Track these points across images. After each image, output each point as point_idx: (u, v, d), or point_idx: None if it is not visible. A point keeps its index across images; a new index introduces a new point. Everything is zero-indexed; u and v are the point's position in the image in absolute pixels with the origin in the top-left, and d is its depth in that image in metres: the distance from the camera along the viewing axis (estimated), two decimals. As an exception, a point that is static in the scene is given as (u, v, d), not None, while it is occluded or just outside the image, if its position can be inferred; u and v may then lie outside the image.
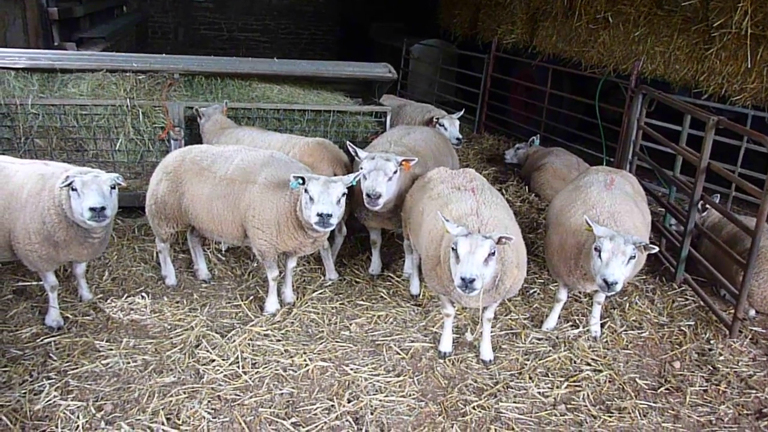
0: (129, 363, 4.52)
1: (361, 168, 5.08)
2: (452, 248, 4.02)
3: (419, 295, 5.66)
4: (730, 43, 7.60)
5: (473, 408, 4.25)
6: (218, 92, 7.01)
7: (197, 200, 5.11)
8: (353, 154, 5.29)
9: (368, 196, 4.97)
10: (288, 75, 7.28)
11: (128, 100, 6.48)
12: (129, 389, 4.26)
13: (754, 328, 5.46)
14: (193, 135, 6.63)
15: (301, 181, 4.58)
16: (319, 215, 4.48)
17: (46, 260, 4.69)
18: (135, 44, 14.93)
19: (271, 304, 5.27)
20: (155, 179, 5.30)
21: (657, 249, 4.41)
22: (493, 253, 4.00)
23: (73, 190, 4.36)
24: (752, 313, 5.64)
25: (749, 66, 7.41)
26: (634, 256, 4.27)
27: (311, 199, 4.53)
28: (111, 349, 4.66)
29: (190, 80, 6.99)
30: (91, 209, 4.31)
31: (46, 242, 4.57)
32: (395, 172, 5.07)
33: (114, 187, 4.50)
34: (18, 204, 4.55)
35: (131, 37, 14.93)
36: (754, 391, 4.61)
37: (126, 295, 5.42)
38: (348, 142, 5.44)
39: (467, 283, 3.89)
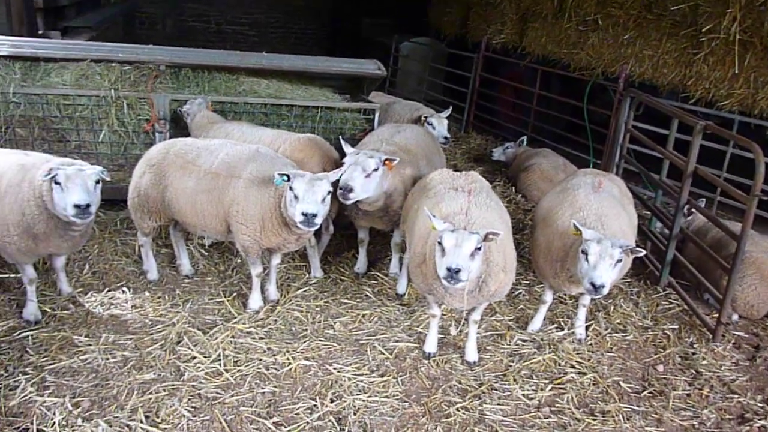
0: (108, 359, 4.44)
1: (343, 162, 5.04)
2: (438, 242, 3.98)
3: (404, 295, 5.62)
4: (718, 48, 7.62)
5: (457, 409, 4.22)
6: (205, 85, 6.91)
7: (181, 194, 5.03)
8: (345, 150, 5.22)
9: (340, 188, 4.91)
10: (276, 69, 7.19)
11: (113, 91, 6.37)
12: (107, 386, 4.18)
13: (737, 333, 5.49)
14: (179, 128, 6.53)
15: (285, 178, 4.52)
16: (304, 215, 4.42)
17: (24, 253, 4.59)
18: (122, 34, 14.72)
19: (255, 301, 5.21)
20: (138, 172, 5.21)
21: (644, 252, 4.40)
22: (479, 249, 3.97)
23: (56, 183, 4.26)
24: (735, 317, 5.67)
25: (736, 71, 7.43)
26: (621, 260, 4.26)
27: (296, 197, 4.47)
28: (90, 345, 4.57)
29: (177, 72, 6.88)
30: (76, 206, 4.21)
31: (25, 234, 4.47)
32: (375, 170, 5.01)
33: (98, 182, 4.41)
34: None
35: (118, 27, 14.73)
36: (736, 396, 4.63)
37: (106, 289, 5.33)
38: (341, 138, 5.38)
39: (452, 274, 3.85)
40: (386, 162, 5.07)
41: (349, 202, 5.03)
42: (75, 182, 4.25)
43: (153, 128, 6.52)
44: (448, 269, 3.86)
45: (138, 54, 6.69)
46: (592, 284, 4.16)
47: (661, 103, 6.86)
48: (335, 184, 4.80)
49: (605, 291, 4.18)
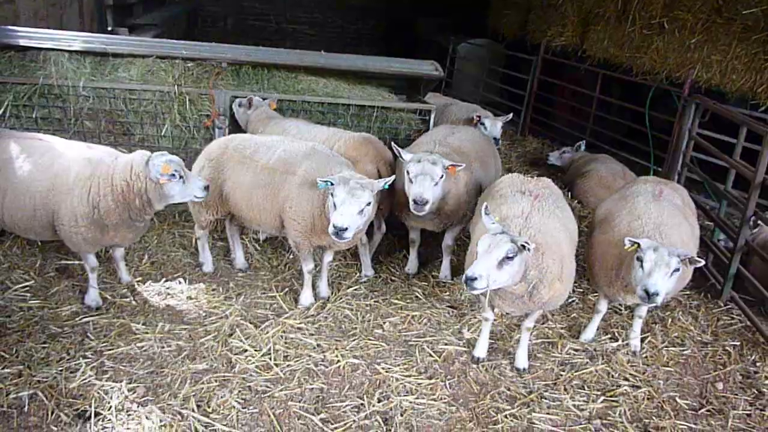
0: (163, 347, 4.57)
1: (407, 171, 5.02)
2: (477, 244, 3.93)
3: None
4: (792, 54, 7.29)
5: (505, 416, 4.17)
6: (264, 83, 7.03)
7: (238, 188, 5.12)
8: (397, 155, 5.21)
9: (415, 202, 4.89)
10: (334, 68, 7.25)
11: (176, 86, 6.54)
12: (162, 373, 4.30)
13: (804, 353, 5.23)
14: (238, 124, 6.66)
15: (328, 183, 4.51)
16: (335, 227, 4.41)
17: (90, 242, 4.76)
18: (185, 32, 15.16)
19: (306, 297, 5.26)
20: (197, 166, 5.33)
21: (703, 262, 4.24)
22: (511, 258, 3.84)
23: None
24: (802, 337, 5.40)
25: (811, 79, 7.10)
26: (678, 269, 4.12)
27: (334, 205, 4.47)
28: (146, 333, 4.71)
29: (237, 70, 7.01)
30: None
31: (93, 225, 4.64)
32: (441, 177, 4.98)
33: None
34: (65, 187, 4.62)
35: (181, 25, 15.18)
36: (801, 420, 4.42)
37: (163, 279, 5.48)
38: (393, 143, 5.35)
39: (468, 281, 3.77)
40: (450, 167, 5.04)
41: (423, 213, 4.97)
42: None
43: (213, 124, 6.67)
44: (466, 276, 3.80)
45: (201, 51, 6.86)
46: (646, 291, 4.04)
47: (729, 110, 6.59)
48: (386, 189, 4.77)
49: (659, 300, 4.05)
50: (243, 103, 6.52)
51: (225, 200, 5.25)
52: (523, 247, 3.85)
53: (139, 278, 5.46)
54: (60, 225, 4.68)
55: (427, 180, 4.91)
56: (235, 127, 6.67)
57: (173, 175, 4.52)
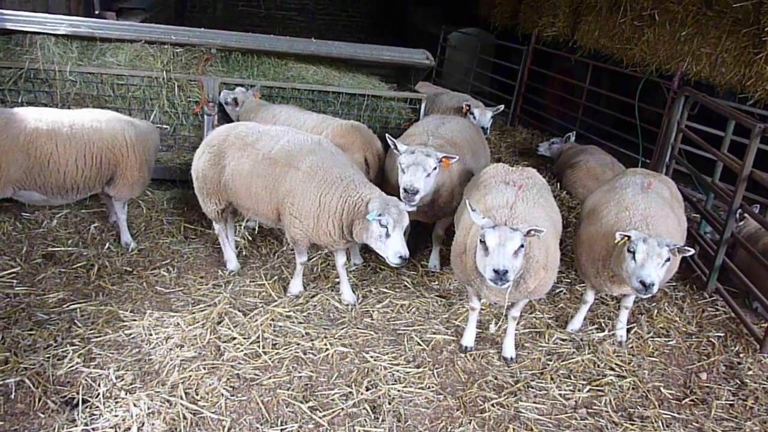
0: (151, 335, 4.55)
1: (400, 163, 5.00)
2: (480, 240, 3.94)
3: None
4: (781, 48, 7.33)
5: (492, 405, 4.20)
6: (254, 69, 6.99)
7: (237, 175, 5.02)
8: (392, 146, 5.18)
9: (405, 191, 4.86)
10: (324, 56, 7.21)
11: (165, 72, 6.50)
12: (150, 361, 4.29)
13: (787, 345, 5.30)
14: (226, 113, 6.62)
15: (377, 216, 4.41)
16: (402, 258, 4.40)
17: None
18: (174, 17, 15.00)
19: (296, 286, 5.25)
20: (198, 153, 5.26)
21: (692, 251, 4.29)
22: (522, 246, 3.92)
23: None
24: (785, 328, 5.48)
25: (799, 73, 7.15)
26: (669, 259, 4.17)
27: (388, 234, 4.41)
28: (135, 320, 4.69)
29: (227, 56, 6.97)
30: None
31: None
32: (435, 169, 4.98)
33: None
34: None
35: (170, 10, 15.01)
36: (782, 410, 4.49)
37: (152, 267, 5.46)
38: (387, 135, 5.28)
39: (501, 276, 3.80)
40: (443, 159, 5.03)
41: (413, 204, 4.91)
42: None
43: (202, 110, 6.63)
44: (496, 271, 3.81)
45: (190, 37, 6.79)
46: (642, 282, 4.07)
47: (718, 103, 6.64)
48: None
49: (655, 290, 4.09)
50: (229, 101, 6.47)
51: (224, 187, 5.14)
52: (529, 233, 3.93)
53: (127, 266, 5.43)
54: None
55: (419, 171, 4.90)
56: (224, 114, 6.64)
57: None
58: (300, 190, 4.77)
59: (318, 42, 7.40)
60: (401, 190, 4.90)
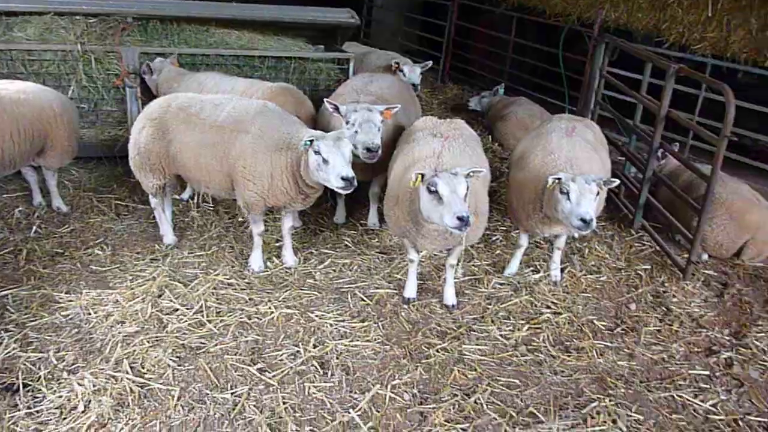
0: (90, 314, 4.46)
1: (347, 122, 4.95)
2: (429, 189, 3.99)
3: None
4: (692, -10, 7.61)
5: (437, 351, 4.34)
6: (174, 37, 6.77)
7: (185, 148, 4.88)
8: (331, 110, 5.09)
9: (368, 150, 4.82)
10: (248, 20, 7.04)
11: (79, 45, 6.21)
12: (91, 340, 4.22)
13: (706, 272, 5.66)
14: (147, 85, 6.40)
15: (308, 143, 4.39)
16: (344, 179, 4.32)
17: None
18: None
19: (256, 260, 5.15)
20: (137, 128, 5.06)
21: (618, 182, 4.53)
22: (468, 188, 4.04)
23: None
24: (705, 256, 5.84)
25: (710, 15, 7.44)
26: (598, 193, 4.37)
27: (325, 161, 4.35)
28: (71, 301, 4.58)
29: (145, 25, 6.71)
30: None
31: None
32: (382, 122, 4.99)
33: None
34: None
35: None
36: (704, 330, 4.81)
37: (85, 247, 5.31)
38: (326, 100, 5.21)
39: (465, 222, 3.84)
40: (385, 111, 5.03)
41: (375, 160, 4.90)
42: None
43: (123, 83, 6.39)
44: (460, 219, 3.84)
45: (103, 6, 6.49)
46: (582, 220, 4.22)
47: (636, 48, 6.87)
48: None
49: (594, 224, 4.26)
50: (145, 70, 6.27)
51: (172, 161, 4.99)
52: (468, 175, 4.05)
53: (59, 248, 5.27)
54: None
55: (372, 127, 4.88)
56: (146, 86, 6.42)
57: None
58: (251, 151, 4.71)
59: (239, 5, 7.23)
60: (361, 150, 4.83)
